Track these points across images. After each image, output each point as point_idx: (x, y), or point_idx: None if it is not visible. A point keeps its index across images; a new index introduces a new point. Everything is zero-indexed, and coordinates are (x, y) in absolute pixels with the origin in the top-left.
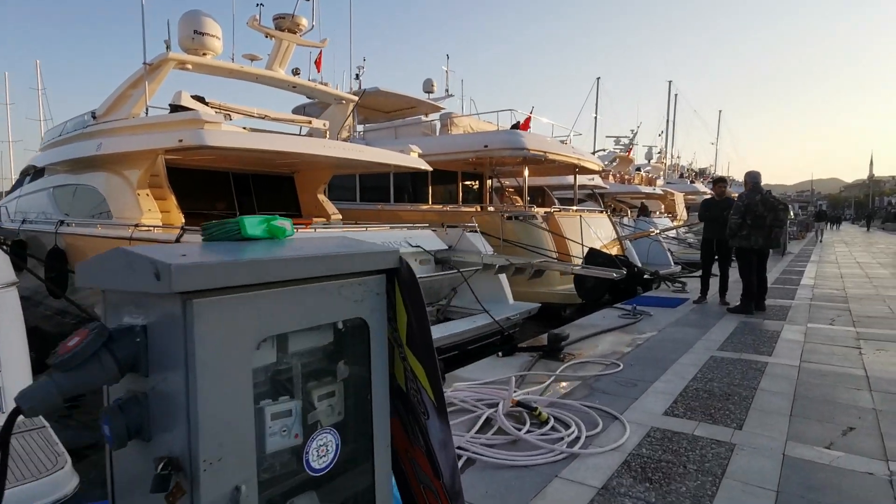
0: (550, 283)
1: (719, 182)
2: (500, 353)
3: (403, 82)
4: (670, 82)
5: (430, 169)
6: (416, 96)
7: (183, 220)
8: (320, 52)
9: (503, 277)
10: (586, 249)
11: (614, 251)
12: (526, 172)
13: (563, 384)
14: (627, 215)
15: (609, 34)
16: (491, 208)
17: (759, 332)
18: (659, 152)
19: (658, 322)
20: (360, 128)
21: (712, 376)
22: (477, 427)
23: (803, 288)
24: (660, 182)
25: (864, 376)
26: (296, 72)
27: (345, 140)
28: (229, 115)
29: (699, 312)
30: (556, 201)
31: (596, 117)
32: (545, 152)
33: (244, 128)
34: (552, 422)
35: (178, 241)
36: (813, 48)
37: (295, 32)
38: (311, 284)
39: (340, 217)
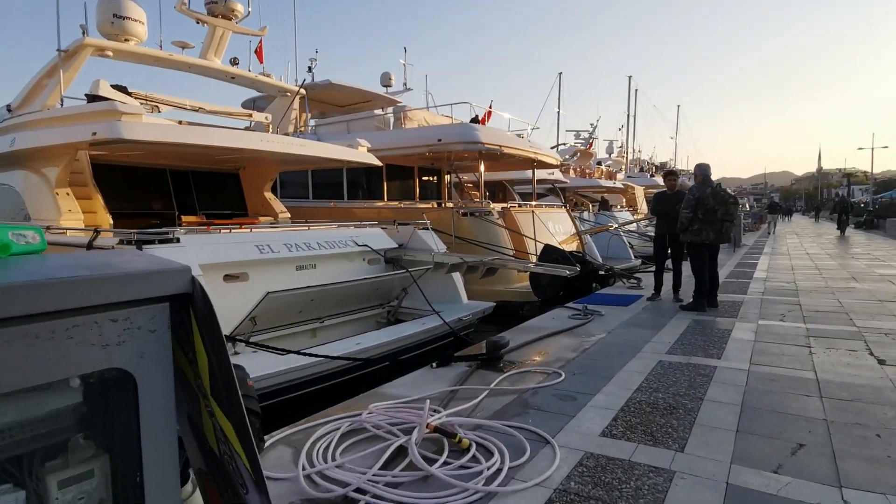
0: (507, 281)
1: (670, 175)
2: (433, 364)
3: (365, 78)
4: (630, 77)
5: (379, 164)
6: (371, 90)
7: (111, 222)
8: (260, 42)
9: (457, 276)
10: (541, 246)
11: (573, 246)
12: (482, 167)
13: (498, 399)
14: (588, 209)
15: (571, 30)
16: (450, 204)
17: (711, 332)
18: (620, 147)
19: (609, 322)
20: (312, 122)
21: (658, 385)
22: (384, 458)
23: (756, 281)
24: (620, 176)
25: (815, 380)
26: (234, 62)
27: (290, 134)
28: (157, 106)
29: (651, 311)
30: (516, 196)
31: (559, 112)
32: (500, 146)
33: (179, 121)
34: (474, 449)
35: (90, 245)
36: (767, 46)
37: (230, 19)
38: (20, 326)
39: (289, 216)
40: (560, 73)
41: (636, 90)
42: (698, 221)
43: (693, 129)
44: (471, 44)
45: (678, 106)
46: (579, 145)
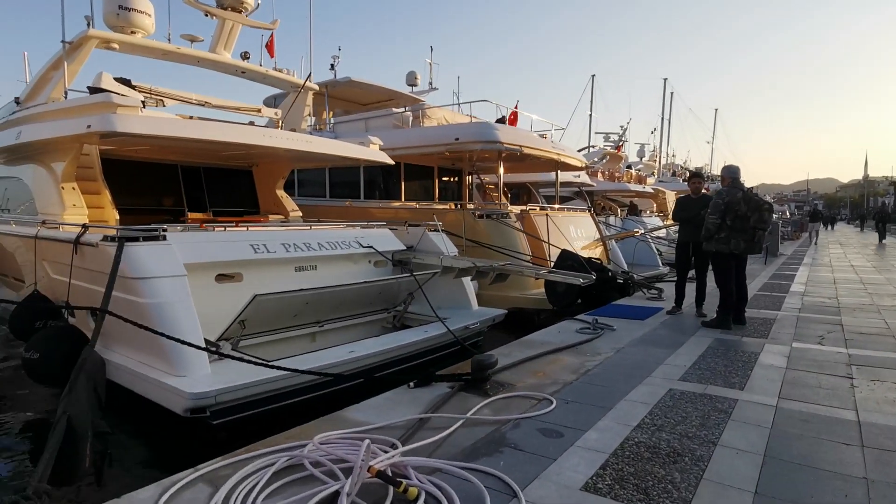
0: (523, 287)
1: (695, 178)
2: (411, 384)
3: (394, 79)
4: (665, 80)
5: (391, 162)
6: (395, 88)
7: (117, 218)
8: (272, 36)
9: (467, 281)
10: (558, 251)
11: (597, 252)
12: (501, 169)
13: (473, 431)
14: (617, 214)
15: (605, 34)
16: (470, 206)
17: (734, 355)
18: (653, 151)
19: (620, 338)
20: (333, 120)
21: (664, 421)
22: None
23: (792, 296)
24: (651, 180)
25: (856, 422)
26: (245, 56)
27: (304, 131)
28: (161, 100)
29: (670, 326)
30: (540, 199)
31: (591, 115)
32: (521, 146)
33: (190, 117)
34: (421, 502)
35: (77, 241)
36: (810, 50)
37: (239, 11)
38: None
39: (300, 214)
40: (593, 76)
41: (672, 93)
42: (726, 229)
43: (731, 134)
44: (503, 48)
45: (716, 109)
46: (608, 148)
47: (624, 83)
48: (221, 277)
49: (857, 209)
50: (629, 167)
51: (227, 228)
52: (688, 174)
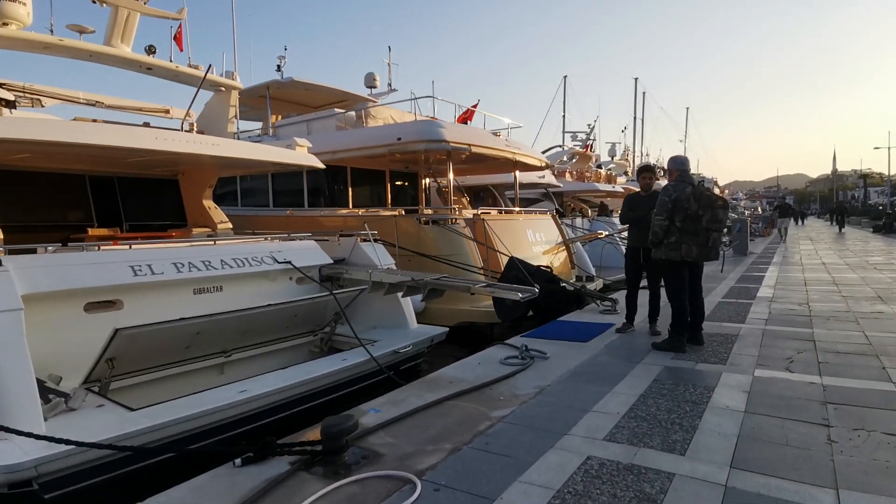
0: (473, 300)
1: (645, 172)
2: (237, 462)
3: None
4: (636, 79)
5: (320, 166)
6: (346, 89)
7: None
8: (180, 27)
9: (405, 297)
10: (507, 259)
11: (560, 257)
12: (451, 171)
13: None
14: (587, 215)
15: (578, 36)
16: (429, 211)
17: (683, 392)
18: (625, 150)
19: (550, 371)
20: (276, 124)
21: None
22: None
23: (759, 303)
24: (622, 180)
25: None
26: (150, 50)
27: (230, 135)
28: (39, 100)
29: (615, 350)
30: (504, 202)
31: (564, 115)
32: (469, 145)
33: (94, 119)
34: None
35: None
36: (779, 49)
37: None
38: None
39: (230, 226)
40: (565, 77)
41: (644, 92)
42: (676, 231)
43: (703, 132)
44: (481, 54)
45: (687, 108)
46: (577, 147)
47: (596, 84)
48: (92, 306)
49: (827, 203)
50: (599, 167)
51: (102, 248)
52: (661, 172)
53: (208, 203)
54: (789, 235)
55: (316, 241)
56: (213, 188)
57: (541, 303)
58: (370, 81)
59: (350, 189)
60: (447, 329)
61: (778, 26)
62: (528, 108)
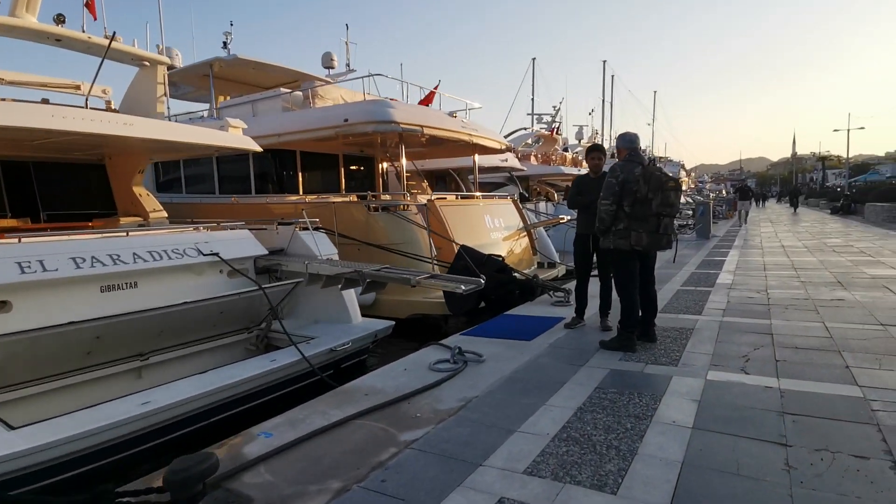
0: (425, 290)
1: (594, 151)
2: None
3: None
4: (605, 62)
5: (256, 149)
6: (298, 68)
7: None
8: None
9: (348, 290)
10: (459, 247)
11: (523, 243)
12: (403, 154)
13: None
14: (553, 199)
15: (546, 18)
16: (385, 197)
17: (627, 404)
18: (596, 133)
19: (481, 377)
20: (219, 106)
21: None
22: None
23: (718, 290)
24: None
25: None
26: (59, 19)
27: (161, 115)
28: None
29: (559, 350)
30: (467, 187)
31: (533, 98)
32: (422, 126)
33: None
34: None
35: None
36: (744, 34)
37: None
38: None
39: (164, 215)
40: (534, 59)
41: (612, 76)
42: (624, 217)
43: (670, 116)
44: (449, 37)
45: (654, 92)
46: (542, 130)
47: (565, 67)
48: None
49: (787, 185)
50: (566, 150)
51: None
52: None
53: (139, 190)
54: (750, 218)
55: (254, 230)
56: (158, 175)
57: (490, 294)
58: (327, 62)
59: (300, 174)
60: (392, 323)
61: (743, 13)
62: (498, 92)
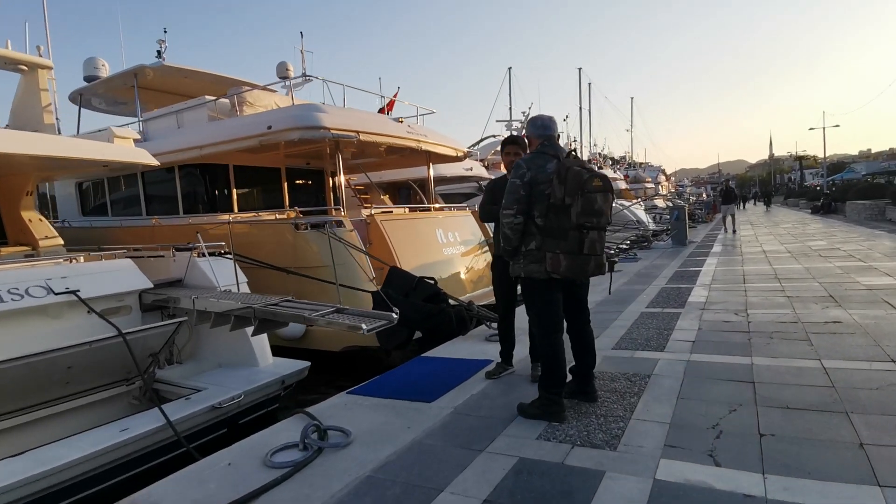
0: None
1: (509, 146)
2: None
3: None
4: (580, 69)
5: (153, 162)
6: (236, 77)
7: None
8: None
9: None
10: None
11: (483, 259)
12: (340, 165)
13: None
14: None
15: (521, 26)
16: (345, 211)
17: None
18: (574, 140)
19: (334, 475)
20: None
21: None
22: None
23: (689, 312)
24: None
25: None
26: None
27: (51, 128)
28: None
29: (460, 420)
30: (429, 198)
31: (510, 107)
32: (357, 132)
33: None
34: None
35: None
36: (721, 40)
37: None
38: None
39: (60, 242)
40: (510, 68)
41: (589, 83)
42: (536, 233)
43: (648, 122)
44: (433, 53)
45: (632, 98)
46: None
47: (541, 78)
48: None
49: (766, 186)
50: None
51: None
52: (602, 160)
53: (28, 214)
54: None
55: (151, 256)
56: (84, 198)
57: (416, 327)
58: (282, 71)
59: (233, 191)
60: (307, 364)
61: (718, 18)
62: (478, 103)
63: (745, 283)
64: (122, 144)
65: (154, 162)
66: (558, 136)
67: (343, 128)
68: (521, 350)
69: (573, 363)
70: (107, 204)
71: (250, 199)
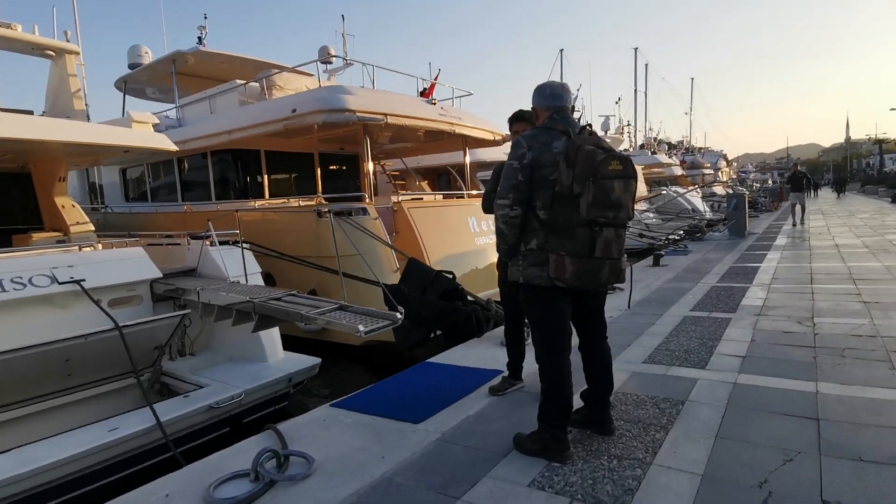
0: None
1: (518, 122)
2: None
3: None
4: (636, 49)
5: (172, 148)
6: (274, 62)
7: None
8: None
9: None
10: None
11: None
12: (368, 148)
13: None
14: None
15: (574, 9)
16: (371, 199)
17: None
18: (627, 124)
19: None
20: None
21: None
22: None
23: (741, 318)
24: None
25: None
26: None
27: (82, 113)
28: None
29: (450, 448)
30: (466, 185)
31: None
32: (385, 115)
33: None
34: None
35: None
36: (785, 16)
37: None
38: None
39: (90, 228)
40: (561, 51)
41: (646, 64)
42: (538, 228)
43: (709, 104)
44: (475, 36)
45: (692, 78)
46: None
47: (595, 59)
48: None
49: (840, 172)
50: None
51: None
52: (657, 145)
53: (61, 200)
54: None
55: (170, 244)
56: (126, 184)
57: (433, 326)
58: (324, 55)
59: (266, 177)
60: (318, 361)
61: None
62: (529, 86)
63: (813, 283)
64: (141, 129)
65: (172, 147)
66: (573, 109)
67: (370, 110)
68: (533, 362)
69: (585, 386)
70: (147, 190)
71: (283, 185)
